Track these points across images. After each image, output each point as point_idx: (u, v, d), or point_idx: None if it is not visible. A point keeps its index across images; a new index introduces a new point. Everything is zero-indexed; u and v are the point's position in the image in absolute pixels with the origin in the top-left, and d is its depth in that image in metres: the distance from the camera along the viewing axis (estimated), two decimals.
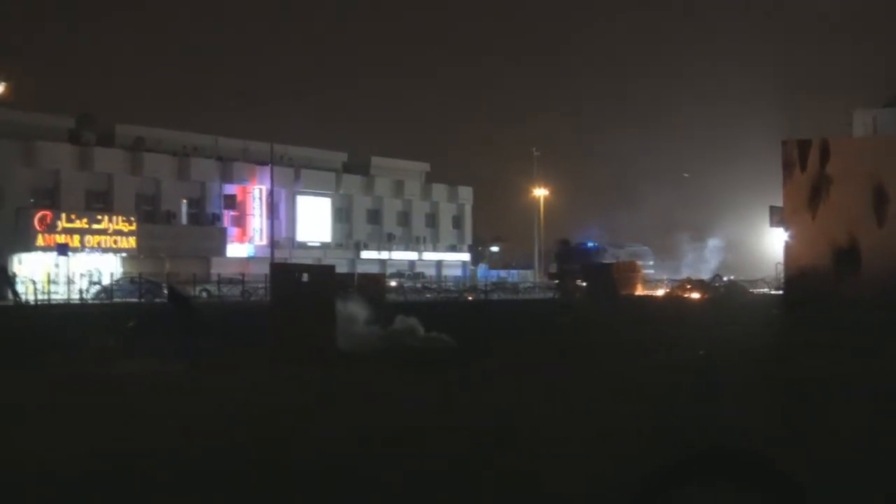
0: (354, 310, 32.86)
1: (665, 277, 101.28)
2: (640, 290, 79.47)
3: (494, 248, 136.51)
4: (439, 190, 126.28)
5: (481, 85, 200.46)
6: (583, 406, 19.14)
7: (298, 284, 32.12)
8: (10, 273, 72.55)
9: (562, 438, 15.36)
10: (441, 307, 52.06)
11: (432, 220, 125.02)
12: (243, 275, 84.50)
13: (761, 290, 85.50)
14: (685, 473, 6.35)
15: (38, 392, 22.36)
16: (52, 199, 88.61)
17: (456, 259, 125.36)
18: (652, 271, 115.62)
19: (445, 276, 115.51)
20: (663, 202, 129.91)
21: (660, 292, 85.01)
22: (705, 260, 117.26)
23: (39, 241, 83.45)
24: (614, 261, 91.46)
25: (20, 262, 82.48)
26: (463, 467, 13.08)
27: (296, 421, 17.53)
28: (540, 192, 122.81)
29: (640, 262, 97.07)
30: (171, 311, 31.78)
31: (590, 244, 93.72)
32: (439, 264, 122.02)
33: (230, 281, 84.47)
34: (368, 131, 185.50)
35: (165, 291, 73.26)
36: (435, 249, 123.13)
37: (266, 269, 34.93)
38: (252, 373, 25.43)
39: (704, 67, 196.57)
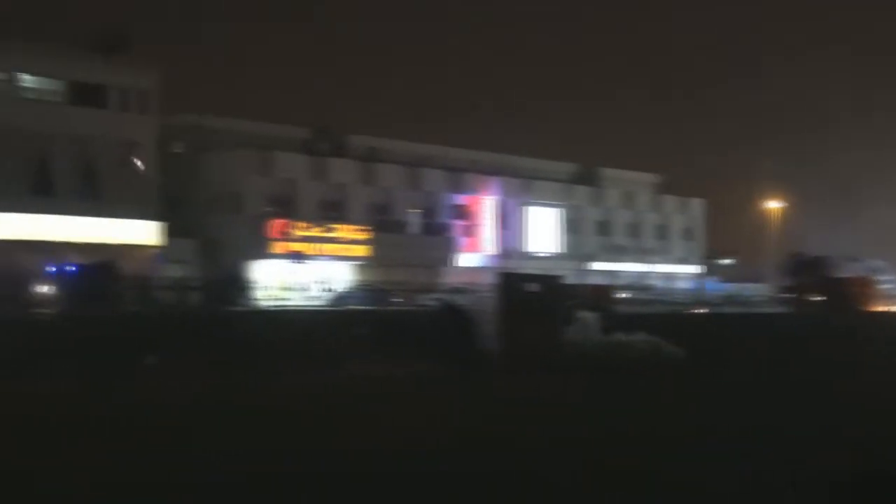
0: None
1: None
2: (876, 306, 77.60)
3: (726, 261, 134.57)
4: (669, 202, 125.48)
5: (711, 94, 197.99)
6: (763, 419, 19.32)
7: (525, 293, 32.68)
8: (245, 280, 75.10)
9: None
10: (669, 319, 52.06)
11: (662, 233, 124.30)
12: (470, 284, 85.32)
13: None
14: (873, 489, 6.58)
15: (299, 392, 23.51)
16: (288, 208, 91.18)
17: (686, 271, 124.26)
18: (892, 286, 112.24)
19: (675, 289, 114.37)
20: None
21: None
22: None
23: (275, 248, 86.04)
24: (848, 275, 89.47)
25: (256, 269, 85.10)
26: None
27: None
28: (773, 205, 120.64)
29: (878, 277, 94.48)
30: (445, 322, 32.52)
31: (823, 257, 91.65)
32: (669, 277, 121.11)
33: (458, 290, 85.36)
34: (597, 142, 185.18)
35: (393, 298, 74.97)
36: (665, 262, 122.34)
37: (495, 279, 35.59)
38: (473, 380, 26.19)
39: None
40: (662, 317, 55.52)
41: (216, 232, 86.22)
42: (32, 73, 76.86)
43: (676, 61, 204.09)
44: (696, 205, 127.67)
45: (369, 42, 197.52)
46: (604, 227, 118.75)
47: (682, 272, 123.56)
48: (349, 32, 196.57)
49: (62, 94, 77.65)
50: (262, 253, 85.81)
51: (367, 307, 69.22)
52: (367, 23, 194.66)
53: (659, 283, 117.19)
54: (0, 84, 74.72)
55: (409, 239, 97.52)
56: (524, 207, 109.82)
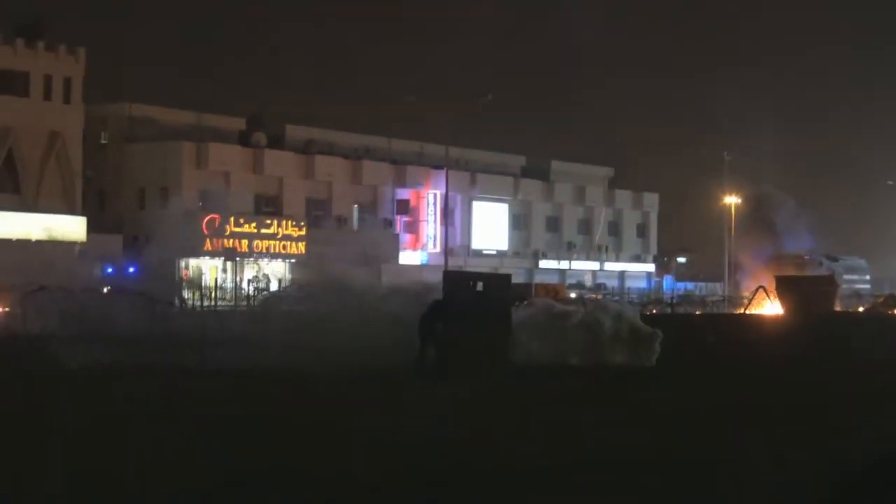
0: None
1: (886, 292, 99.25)
2: (837, 306, 78.61)
3: (681, 259, 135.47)
4: (623, 196, 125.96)
5: (668, 86, 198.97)
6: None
7: (472, 293, 32.66)
8: (176, 278, 74.82)
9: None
10: None
11: (615, 229, 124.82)
12: (413, 283, 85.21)
13: None
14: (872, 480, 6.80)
15: None
16: (221, 203, 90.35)
17: (640, 270, 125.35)
18: (867, 286, 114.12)
19: (628, 288, 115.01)
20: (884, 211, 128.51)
21: (861, 309, 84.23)
22: None
23: (207, 245, 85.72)
24: (816, 274, 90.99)
25: (187, 267, 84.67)
26: None
27: None
28: (731, 200, 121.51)
29: (854, 276, 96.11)
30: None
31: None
32: (622, 275, 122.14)
33: (400, 290, 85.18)
34: (548, 134, 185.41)
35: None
36: (618, 259, 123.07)
37: (439, 278, 35.46)
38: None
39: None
40: None
41: (145, 227, 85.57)
42: None
43: (625, 52, 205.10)
44: (651, 199, 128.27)
45: (305, 32, 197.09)
46: (554, 223, 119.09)
47: (635, 270, 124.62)
48: (286, 23, 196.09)
49: None
50: (194, 250, 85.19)
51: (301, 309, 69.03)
52: (304, 16, 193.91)
53: (611, 282, 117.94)
54: None
55: (348, 235, 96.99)
56: (471, 202, 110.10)
